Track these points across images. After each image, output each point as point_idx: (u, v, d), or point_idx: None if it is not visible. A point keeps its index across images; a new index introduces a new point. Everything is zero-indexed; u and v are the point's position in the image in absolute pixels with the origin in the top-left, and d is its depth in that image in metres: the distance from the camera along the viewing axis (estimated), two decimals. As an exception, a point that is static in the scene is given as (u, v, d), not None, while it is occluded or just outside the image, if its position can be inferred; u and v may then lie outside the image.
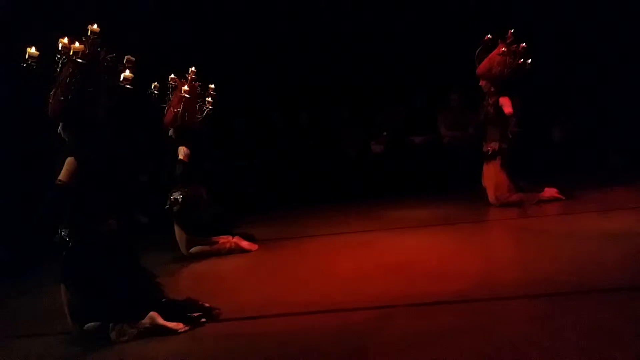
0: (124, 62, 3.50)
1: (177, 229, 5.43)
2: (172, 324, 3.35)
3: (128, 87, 3.46)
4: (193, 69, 5.40)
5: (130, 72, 3.48)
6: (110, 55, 3.47)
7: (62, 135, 3.47)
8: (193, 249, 5.37)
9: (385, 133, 8.82)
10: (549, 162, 7.69)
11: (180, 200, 5.31)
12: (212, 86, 5.63)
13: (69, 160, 3.37)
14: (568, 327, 2.77)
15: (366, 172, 8.44)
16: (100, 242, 3.40)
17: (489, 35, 6.40)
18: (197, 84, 5.45)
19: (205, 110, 5.54)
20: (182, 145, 5.33)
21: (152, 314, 3.35)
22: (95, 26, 3.45)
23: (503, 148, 6.32)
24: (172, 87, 5.39)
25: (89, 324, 3.36)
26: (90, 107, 3.42)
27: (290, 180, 8.33)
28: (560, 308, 3.06)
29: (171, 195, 5.37)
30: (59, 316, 3.54)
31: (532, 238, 4.90)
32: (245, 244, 5.49)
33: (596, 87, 8.36)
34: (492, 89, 6.34)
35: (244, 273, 4.86)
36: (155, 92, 4.92)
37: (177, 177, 5.34)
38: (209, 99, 5.57)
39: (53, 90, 3.39)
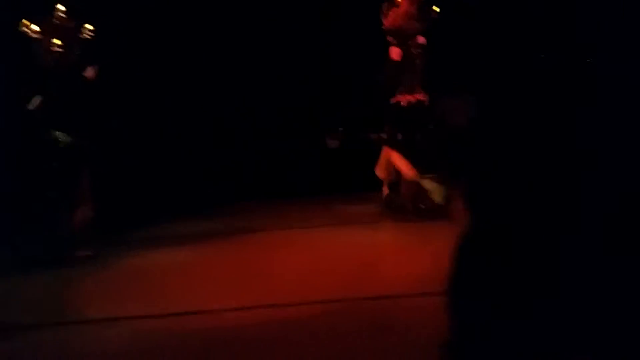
0: None
1: None
2: None
3: None
4: (59, 6, 5.10)
5: None
6: None
7: None
8: None
9: (341, 128, 8.81)
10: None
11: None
12: (90, 27, 5.24)
13: None
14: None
15: (321, 167, 8.42)
16: None
17: None
18: (68, 24, 5.14)
19: (77, 52, 5.19)
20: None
21: None
22: None
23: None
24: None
25: None
26: None
27: (244, 174, 8.22)
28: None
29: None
30: None
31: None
32: None
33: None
34: (394, 42, 6.23)
35: (194, 267, 4.74)
36: (29, 30, 4.74)
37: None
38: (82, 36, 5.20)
39: None
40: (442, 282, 3.52)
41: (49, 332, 3.31)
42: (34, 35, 5.02)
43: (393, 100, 6.24)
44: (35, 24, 5.07)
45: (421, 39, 6.24)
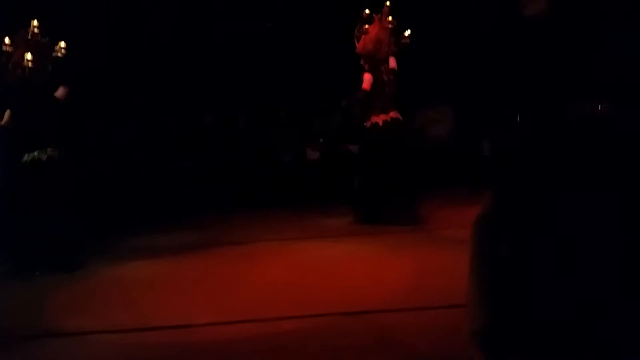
0: None
1: None
2: None
3: None
4: (35, 22, 5.06)
5: None
6: None
7: None
8: None
9: (321, 140, 8.84)
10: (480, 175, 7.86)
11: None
12: (63, 44, 5.18)
13: None
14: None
15: (301, 179, 8.41)
16: None
17: (367, 11, 6.28)
18: (41, 39, 5.10)
19: (49, 67, 5.13)
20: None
21: None
22: None
23: None
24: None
25: None
26: None
27: (223, 185, 8.18)
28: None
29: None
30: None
31: (461, 248, 4.95)
32: None
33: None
34: (366, 66, 6.26)
35: (171, 281, 4.67)
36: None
37: None
38: (55, 55, 5.14)
39: None
40: (429, 296, 3.56)
41: (23, 346, 3.22)
42: (5, 48, 4.95)
43: (369, 123, 6.26)
44: (7, 37, 5.00)
45: (392, 63, 6.24)
